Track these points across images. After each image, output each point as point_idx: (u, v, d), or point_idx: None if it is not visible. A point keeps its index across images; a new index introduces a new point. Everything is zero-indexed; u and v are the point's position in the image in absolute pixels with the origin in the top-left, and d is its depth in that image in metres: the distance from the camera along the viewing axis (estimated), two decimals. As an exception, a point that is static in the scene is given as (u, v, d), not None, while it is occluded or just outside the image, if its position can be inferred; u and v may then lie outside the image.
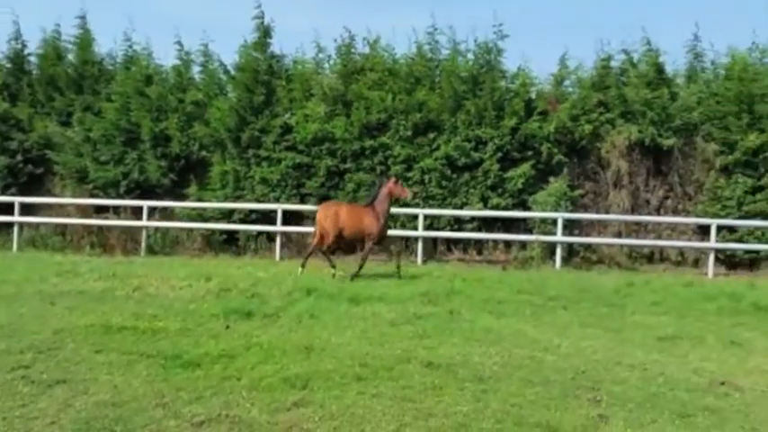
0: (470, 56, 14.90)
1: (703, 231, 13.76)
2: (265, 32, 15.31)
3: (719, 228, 13.36)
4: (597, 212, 14.27)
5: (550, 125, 14.07)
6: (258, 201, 14.62)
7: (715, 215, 13.79)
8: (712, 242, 13.17)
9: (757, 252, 13.64)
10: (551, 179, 14.17)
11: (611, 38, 20.84)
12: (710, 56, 15.11)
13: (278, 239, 13.88)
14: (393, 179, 10.92)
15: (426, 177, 14.30)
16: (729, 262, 13.94)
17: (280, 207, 13.96)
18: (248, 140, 14.87)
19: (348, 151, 14.51)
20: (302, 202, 14.68)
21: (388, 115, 14.45)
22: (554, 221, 13.43)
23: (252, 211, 14.62)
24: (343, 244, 11.61)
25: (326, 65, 15.55)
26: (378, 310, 7.69)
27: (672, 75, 15.00)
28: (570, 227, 13.91)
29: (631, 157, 14.33)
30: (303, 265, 10.84)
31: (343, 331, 6.56)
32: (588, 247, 14.02)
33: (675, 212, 14.41)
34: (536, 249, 13.52)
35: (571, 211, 13.88)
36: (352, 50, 15.31)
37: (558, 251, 13.28)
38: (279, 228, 13.85)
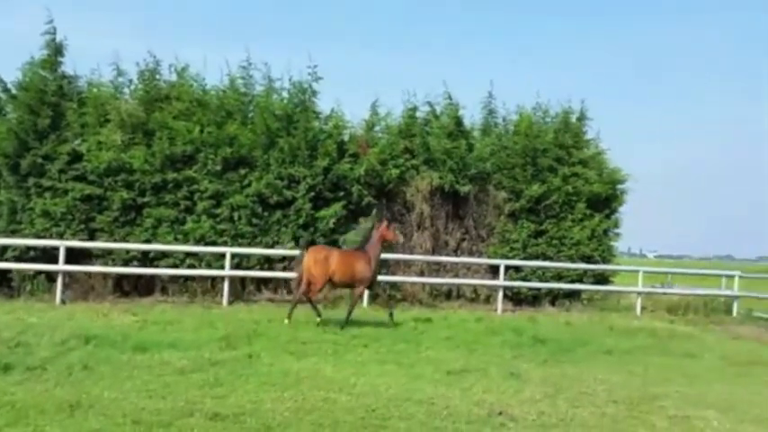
0: (285, 94, 14.87)
1: (494, 271, 15.04)
2: (57, 50, 13.81)
3: (507, 267, 14.74)
4: (403, 253, 14.89)
5: (361, 168, 14.49)
6: (38, 236, 12.91)
7: (504, 256, 15.25)
8: (501, 281, 14.48)
9: (539, 289, 15.34)
10: (361, 219, 14.51)
11: (417, 89, 22.34)
12: (502, 112, 16.93)
13: (59, 280, 12.24)
14: (385, 223, 10.86)
15: (236, 214, 13.80)
16: (516, 299, 15.51)
17: (63, 243, 12.36)
18: (29, 168, 13.17)
19: (147, 184, 13.48)
20: (92, 238, 13.26)
21: (195, 148, 13.76)
22: (363, 261, 13.67)
23: (29, 247, 12.82)
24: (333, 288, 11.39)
25: (126, 90, 14.39)
26: (167, 358, 7.08)
27: (469, 127, 16.38)
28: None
29: (433, 201, 15.28)
30: (289, 316, 10.15)
31: (120, 384, 5.90)
32: (394, 285, 14.52)
33: (471, 253, 15.63)
34: (346, 288, 13.62)
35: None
36: (157, 77, 14.41)
37: (366, 290, 13.50)
38: (61, 267, 12.23)
